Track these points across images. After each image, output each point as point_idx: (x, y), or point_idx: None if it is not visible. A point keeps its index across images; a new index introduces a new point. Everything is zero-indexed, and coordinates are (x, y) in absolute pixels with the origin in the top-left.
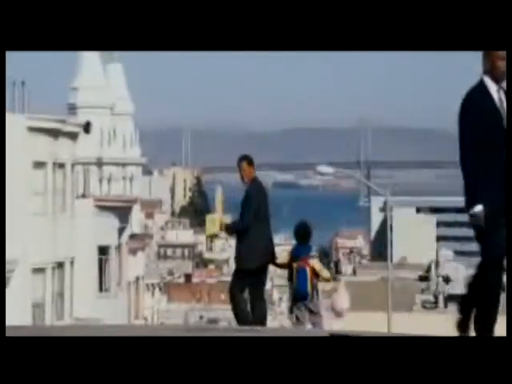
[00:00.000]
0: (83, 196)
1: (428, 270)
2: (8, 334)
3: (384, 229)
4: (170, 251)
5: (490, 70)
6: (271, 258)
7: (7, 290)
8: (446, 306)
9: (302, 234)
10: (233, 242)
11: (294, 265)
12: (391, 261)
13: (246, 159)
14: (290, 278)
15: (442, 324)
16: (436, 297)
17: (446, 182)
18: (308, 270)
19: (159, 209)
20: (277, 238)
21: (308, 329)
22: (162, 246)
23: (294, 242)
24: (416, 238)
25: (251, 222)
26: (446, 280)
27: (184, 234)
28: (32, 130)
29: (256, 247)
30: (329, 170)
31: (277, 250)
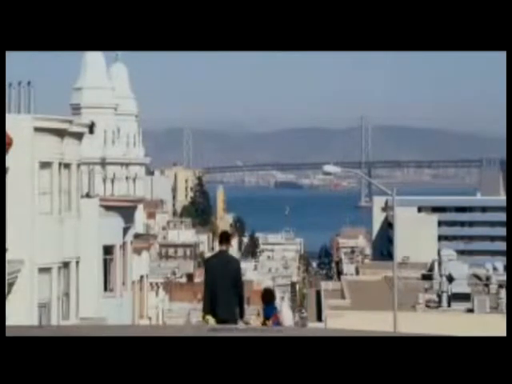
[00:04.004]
0: (88, 196)
1: (431, 269)
2: (8, 333)
3: (385, 228)
4: (171, 251)
5: None
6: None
7: (13, 290)
8: (449, 305)
9: (270, 298)
10: (234, 241)
11: (269, 322)
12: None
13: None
14: None
15: (446, 323)
16: (439, 296)
17: (443, 182)
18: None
19: (161, 209)
20: (278, 238)
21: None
22: (164, 245)
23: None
24: (418, 237)
25: (207, 295)
26: (450, 279)
27: (186, 234)
28: (38, 130)
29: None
30: (336, 169)
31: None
